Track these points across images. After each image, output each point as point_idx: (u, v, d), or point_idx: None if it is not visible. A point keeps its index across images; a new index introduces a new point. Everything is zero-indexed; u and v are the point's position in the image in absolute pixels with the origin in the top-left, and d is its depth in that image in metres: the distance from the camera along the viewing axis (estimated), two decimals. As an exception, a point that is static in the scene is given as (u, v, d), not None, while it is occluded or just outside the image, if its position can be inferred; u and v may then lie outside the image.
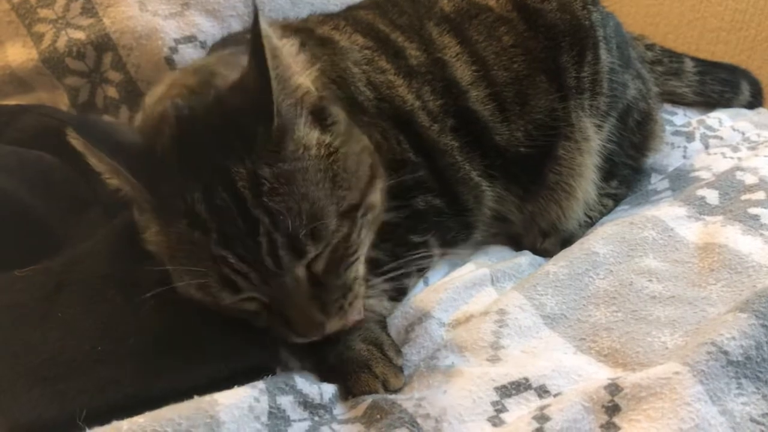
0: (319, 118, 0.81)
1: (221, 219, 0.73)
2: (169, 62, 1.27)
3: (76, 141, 0.76)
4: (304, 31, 1.13)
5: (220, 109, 0.78)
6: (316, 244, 0.76)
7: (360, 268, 0.85)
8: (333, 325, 0.81)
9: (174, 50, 1.28)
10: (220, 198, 0.73)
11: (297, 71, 0.79)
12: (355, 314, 0.84)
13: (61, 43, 1.28)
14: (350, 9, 1.30)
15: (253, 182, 0.73)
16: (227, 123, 0.76)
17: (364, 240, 0.85)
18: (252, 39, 0.73)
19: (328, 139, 0.80)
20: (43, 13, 1.30)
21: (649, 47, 1.55)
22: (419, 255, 1.02)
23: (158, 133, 0.78)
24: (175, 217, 0.75)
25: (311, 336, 0.81)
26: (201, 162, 0.75)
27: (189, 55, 1.27)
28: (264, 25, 0.73)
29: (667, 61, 1.56)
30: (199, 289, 0.77)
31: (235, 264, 0.74)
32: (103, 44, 1.28)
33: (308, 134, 0.78)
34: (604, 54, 1.19)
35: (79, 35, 1.28)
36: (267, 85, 0.74)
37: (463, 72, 1.12)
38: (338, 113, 0.85)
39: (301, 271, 0.77)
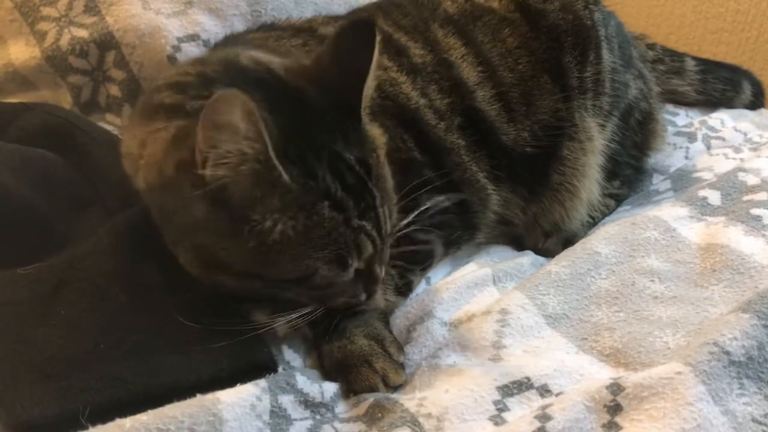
0: (368, 119, 0.88)
1: (356, 197, 0.81)
2: (172, 61, 1.27)
3: (248, 105, 0.71)
4: (307, 30, 1.13)
5: (301, 97, 0.82)
6: (399, 214, 0.88)
7: None
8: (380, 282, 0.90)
9: (177, 49, 1.28)
10: (350, 179, 0.81)
11: (373, 76, 0.86)
12: None
13: (64, 41, 1.28)
14: (354, 11, 1.31)
15: (365, 168, 0.82)
16: (318, 111, 0.82)
17: None
18: (360, 37, 0.83)
19: (376, 132, 0.88)
20: (46, 11, 1.30)
21: (651, 46, 1.55)
22: (422, 253, 1.02)
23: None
24: (315, 199, 0.78)
25: (376, 290, 0.89)
26: (318, 147, 0.80)
27: (192, 53, 1.27)
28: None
29: (669, 60, 1.56)
30: (332, 261, 0.81)
31: (370, 231, 0.82)
32: (106, 42, 1.28)
33: (371, 129, 0.87)
34: (606, 54, 1.19)
35: (82, 33, 1.28)
36: (361, 85, 0.83)
37: (469, 72, 1.13)
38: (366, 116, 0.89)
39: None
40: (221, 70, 0.86)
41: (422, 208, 0.95)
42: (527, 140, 1.14)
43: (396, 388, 0.86)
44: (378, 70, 1.07)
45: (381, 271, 0.88)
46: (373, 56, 0.82)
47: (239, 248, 0.78)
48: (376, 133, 0.88)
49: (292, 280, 0.82)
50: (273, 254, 0.78)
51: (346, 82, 0.83)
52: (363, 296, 0.88)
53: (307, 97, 0.82)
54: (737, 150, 1.38)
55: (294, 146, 0.78)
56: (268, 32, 1.16)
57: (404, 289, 0.99)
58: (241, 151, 0.74)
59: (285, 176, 0.75)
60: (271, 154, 0.73)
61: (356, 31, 0.84)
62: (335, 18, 1.23)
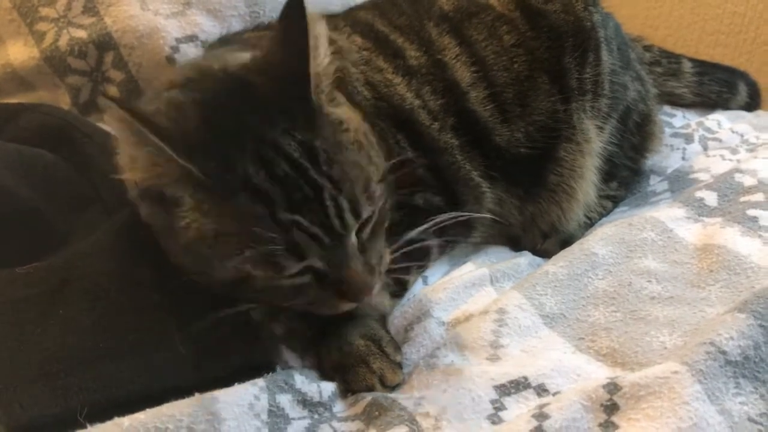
0: (330, 99, 0.84)
1: (285, 187, 0.75)
2: (171, 61, 1.27)
3: (115, 119, 0.73)
4: None
5: (244, 89, 0.79)
6: (370, 206, 0.80)
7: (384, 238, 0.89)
8: (376, 288, 0.84)
9: (175, 49, 1.28)
10: (280, 169, 0.75)
11: (322, 54, 0.81)
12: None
13: (63, 41, 1.28)
14: (351, 10, 1.31)
15: (309, 152, 0.76)
16: (256, 99, 0.78)
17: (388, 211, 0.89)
18: (291, 16, 0.77)
19: (344, 115, 0.83)
20: (45, 11, 1.30)
21: (648, 48, 1.56)
22: (418, 252, 1.02)
23: (183, 118, 0.78)
24: (231, 192, 0.75)
25: (361, 299, 0.83)
26: (241, 138, 0.76)
27: (190, 54, 1.27)
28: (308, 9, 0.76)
29: (666, 62, 1.56)
30: (260, 262, 0.76)
31: (308, 227, 0.76)
32: (104, 43, 1.28)
33: (334, 111, 0.82)
34: (605, 55, 1.20)
35: (81, 34, 1.28)
36: (305, 64, 0.77)
37: (462, 73, 1.13)
38: (340, 96, 0.87)
39: (353, 235, 0.80)
40: (186, 75, 0.86)
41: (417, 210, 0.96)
42: (522, 141, 1.14)
43: (393, 387, 0.86)
44: (374, 72, 1.08)
45: (361, 274, 0.80)
46: (306, 33, 0.77)
47: (179, 248, 0.80)
48: (347, 113, 0.84)
49: (230, 283, 0.78)
50: (203, 254, 0.78)
51: (291, 65, 0.79)
52: (342, 306, 0.83)
53: (252, 88, 0.79)
54: (734, 151, 1.38)
55: (215, 140, 0.76)
56: (265, 31, 1.17)
57: (399, 291, 0.99)
58: (143, 154, 0.75)
59: (195, 171, 0.74)
60: (170, 152, 0.73)
61: (290, 11, 0.79)
62: (332, 18, 1.23)
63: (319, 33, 0.80)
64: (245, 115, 0.77)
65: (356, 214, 0.79)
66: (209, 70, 0.85)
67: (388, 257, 0.88)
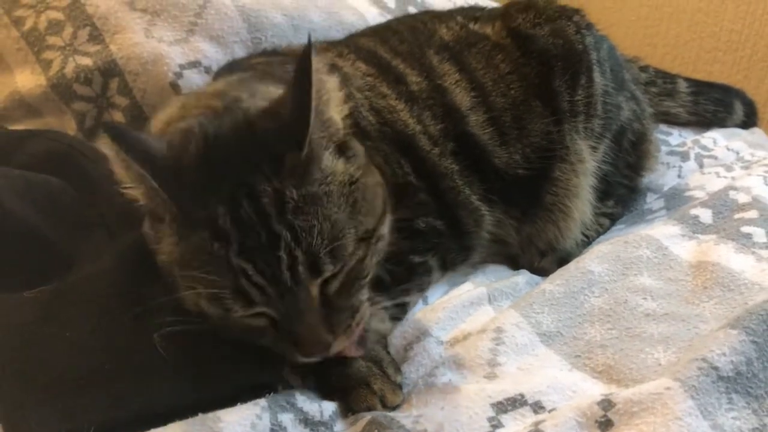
0: (342, 150, 0.83)
1: (244, 231, 0.75)
2: (174, 87, 1.29)
3: (107, 144, 0.77)
4: None
5: (249, 130, 0.80)
6: (334, 263, 0.77)
7: (366, 292, 0.86)
8: (338, 345, 0.82)
9: (179, 75, 1.30)
10: (244, 211, 0.75)
11: (332, 107, 0.81)
12: (356, 349, 0.87)
13: (69, 69, 1.31)
14: (352, 37, 1.34)
15: (278, 200, 0.75)
16: (255, 144, 0.79)
17: (373, 267, 0.86)
18: (300, 70, 0.76)
19: (351, 169, 0.82)
20: (52, 40, 1.33)
21: (643, 69, 1.58)
22: (419, 275, 1.04)
23: (184, 147, 0.80)
24: (196, 227, 0.76)
25: (316, 355, 0.81)
26: (226, 177, 0.77)
27: (194, 80, 1.30)
28: (315, 59, 0.75)
29: (661, 82, 1.58)
30: (211, 299, 0.77)
31: (253, 276, 0.75)
32: (109, 70, 1.30)
33: (334, 164, 0.81)
34: (597, 77, 1.22)
35: (87, 62, 1.31)
36: (305, 117, 0.76)
37: (462, 98, 1.15)
38: (358, 148, 0.87)
39: (315, 289, 0.78)
40: (214, 105, 0.88)
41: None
42: (519, 163, 1.16)
43: (394, 408, 0.87)
44: (378, 98, 1.10)
45: (315, 330, 0.78)
46: (309, 87, 0.76)
47: (161, 264, 0.83)
48: (355, 166, 0.83)
49: (196, 312, 0.79)
50: (174, 277, 0.80)
51: (294, 115, 0.77)
52: (297, 357, 0.81)
53: (256, 132, 0.80)
54: (729, 168, 1.40)
55: (201, 175, 0.77)
56: (271, 57, 1.19)
57: (398, 313, 0.99)
58: (131, 174, 0.78)
59: (170, 201, 0.76)
60: (152, 182, 0.76)
61: (300, 64, 0.77)
62: (334, 44, 1.26)
63: (331, 87, 0.81)
64: (238, 157, 0.78)
65: (314, 270, 0.76)
66: (234, 105, 0.86)
67: (366, 312, 0.86)
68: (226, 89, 0.93)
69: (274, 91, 0.88)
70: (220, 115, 0.84)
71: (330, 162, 0.80)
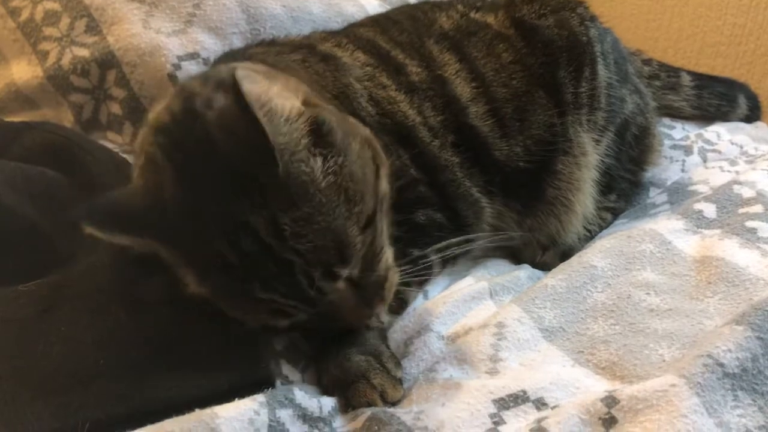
0: (317, 134, 0.80)
1: (254, 266, 0.76)
2: (172, 79, 1.28)
3: (95, 233, 0.79)
4: (306, 47, 1.15)
5: (216, 155, 0.76)
6: (348, 262, 0.80)
7: (389, 256, 0.89)
8: (378, 310, 0.87)
9: (177, 67, 1.29)
10: (247, 247, 0.75)
11: (287, 103, 0.78)
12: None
13: (66, 60, 1.30)
14: (351, 26, 1.32)
15: (274, 229, 0.75)
16: (228, 170, 0.76)
17: (385, 229, 0.88)
18: (242, 115, 0.72)
19: (330, 163, 0.80)
20: (48, 31, 1.32)
21: (647, 62, 1.56)
22: (419, 268, 1.03)
23: (159, 185, 0.79)
24: (209, 269, 0.78)
25: (361, 326, 0.88)
26: (215, 214, 0.76)
27: (192, 71, 1.28)
28: (244, 82, 0.71)
29: (665, 76, 1.57)
30: (252, 320, 0.82)
31: (282, 302, 0.79)
32: (107, 61, 1.29)
33: (312, 166, 0.78)
34: (601, 69, 1.21)
35: (84, 53, 1.30)
36: (267, 143, 0.73)
37: (462, 88, 1.14)
38: (330, 117, 0.83)
39: (341, 284, 0.81)
40: (174, 109, 0.85)
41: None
42: (520, 155, 1.15)
43: (394, 403, 0.86)
44: (378, 89, 1.09)
45: (354, 311, 0.84)
46: (255, 118, 0.72)
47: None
48: (314, 165, 0.78)
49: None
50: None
51: (252, 139, 0.73)
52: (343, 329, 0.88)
53: (219, 154, 0.76)
54: (733, 163, 1.38)
55: (189, 216, 0.77)
56: (269, 47, 1.18)
57: (398, 308, 0.99)
58: (131, 242, 0.82)
59: (173, 252, 0.80)
60: (152, 243, 0.80)
61: (235, 98, 0.73)
62: (333, 34, 1.24)
63: (277, 92, 0.78)
64: (216, 189, 0.76)
65: (332, 277, 0.79)
66: (191, 110, 0.81)
67: (395, 277, 0.89)
68: (185, 84, 0.92)
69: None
70: (177, 125, 0.82)
71: (308, 167, 0.78)
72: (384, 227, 0.88)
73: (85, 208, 0.79)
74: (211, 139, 0.77)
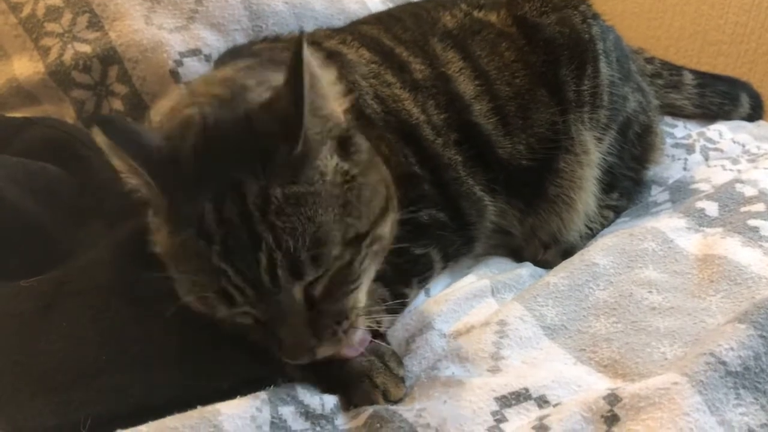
0: (343, 146, 0.80)
1: (226, 232, 0.73)
2: (174, 75, 1.28)
3: (100, 138, 0.75)
4: (311, 44, 1.14)
5: (247, 125, 0.77)
6: (315, 267, 0.75)
7: (360, 297, 0.83)
8: (324, 351, 0.80)
9: (179, 63, 1.29)
10: (228, 210, 0.73)
11: (331, 101, 0.79)
12: (349, 349, 0.84)
13: (68, 56, 1.29)
14: (355, 24, 1.32)
15: (262, 199, 0.73)
16: (250, 139, 0.75)
17: (368, 270, 0.83)
18: (292, 66, 0.72)
19: (346, 167, 0.79)
20: (50, 27, 1.32)
21: (649, 60, 1.56)
22: (421, 267, 1.03)
23: (182, 139, 0.78)
24: (185, 223, 0.75)
25: (300, 359, 0.80)
26: (217, 173, 0.75)
27: (194, 68, 1.29)
28: (306, 53, 0.71)
29: (667, 74, 1.57)
30: (197, 299, 0.76)
31: (233, 278, 0.73)
32: (108, 57, 1.29)
33: (328, 161, 0.78)
34: (604, 67, 1.20)
35: (86, 49, 1.30)
36: (299, 113, 0.73)
37: (466, 86, 1.14)
38: (362, 143, 0.84)
39: (298, 292, 0.76)
40: (217, 93, 0.86)
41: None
42: (523, 153, 1.15)
43: (397, 402, 0.86)
44: (383, 86, 1.09)
45: (299, 334, 0.76)
46: (302, 83, 0.72)
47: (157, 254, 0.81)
48: (330, 162, 0.78)
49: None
50: (167, 267, 0.79)
51: (290, 109, 0.74)
52: (285, 359, 0.80)
53: (252, 125, 0.76)
54: (735, 161, 1.38)
55: (194, 169, 0.76)
56: (273, 43, 1.18)
57: (399, 307, 0.97)
58: (127, 168, 0.77)
59: (162, 195, 0.76)
60: (145, 175, 0.75)
61: (293, 59, 0.73)
62: (337, 31, 1.24)
63: (328, 81, 0.78)
64: (232, 152, 0.75)
65: (295, 273, 0.74)
66: (239, 95, 0.83)
67: (358, 322, 0.83)
68: (234, 76, 0.91)
69: (281, 79, 0.85)
70: (223, 106, 0.82)
71: (325, 160, 0.77)
72: (369, 269, 0.83)
73: (103, 116, 0.78)
74: (249, 112, 0.77)
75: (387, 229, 0.85)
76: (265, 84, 0.84)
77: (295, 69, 0.72)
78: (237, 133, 0.77)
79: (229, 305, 0.76)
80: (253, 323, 0.79)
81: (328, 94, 0.78)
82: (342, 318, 0.80)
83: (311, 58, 0.74)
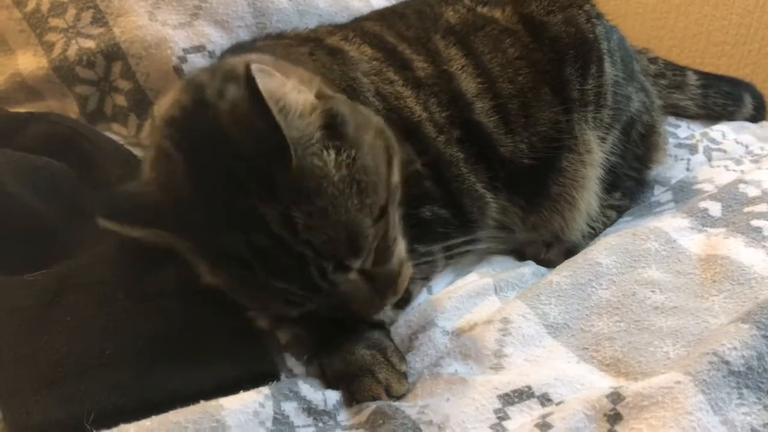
0: (331, 128, 0.80)
1: (265, 258, 0.76)
2: (178, 71, 1.28)
3: (110, 225, 0.79)
4: (313, 40, 1.14)
5: (228, 146, 0.76)
6: (359, 255, 0.80)
7: (401, 248, 0.89)
8: (390, 302, 0.88)
9: (183, 60, 1.29)
10: (258, 239, 0.75)
11: (301, 97, 0.78)
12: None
13: (72, 52, 1.29)
14: (358, 20, 1.32)
15: (286, 222, 0.75)
16: (240, 162, 0.75)
17: (398, 221, 0.88)
18: (251, 98, 0.72)
19: (343, 156, 0.79)
20: (54, 22, 1.32)
21: (653, 60, 1.56)
22: (423, 264, 1.03)
23: (172, 177, 0.79)
24: (221, 260, 0.78)
25: (371, 318, 0.89)
26: (227, 206, 0.76)
27: (198, 64, 1.28)
28: (261, 84, 0.71)
29: (671, 75, 1.57)
30: (264, 310, 0.85)
31: (292, 290, 0.79)
32: (112, 53, 1.29)
33: (325, 160, 0.78)
34: (608, 67, 1.20)
35: (90, 44, 1.30)
36: (280, 137, 0.73)
37: (468, 84, 1.14)
38: (344, 110, 0.83)
39: (353, 277, 0.81)
40: (183, 101, 0.85)
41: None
42: (525, 152, 1.14)
43: (399, 397, 0.86)
44: (385, 84, 1.09)
45: (366, 304, 0.84)
46: (269, 112, 0.71)
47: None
48: (328, 159, 0.78)
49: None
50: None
51: (267, 132, 0.73)
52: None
53: (230, 144, 0.76)
54: (738, 162, 1.38)
55: (202, 208, 0.77)
56: (276, 40, 1.18)
57: (402, 303, 0.98)
58: (143, 235, 0.82)
59: (185, 243, 0.81)
60: (164, 235, 0.80)
61: (249, 92, 0.73)
62: (340, 27, 1.24)
63: (285, 92, 0.76)
64: (228, 180, 0.76)
65: (344, 269, 0.80)
66: (202, 102, 0.81)
67: (408, 271, 0.89)
68: (193, 77, 0.90)
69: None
70: (188, 117, 0.81)
71: (321, 160, 0.77)
72: (396, 219, 0.88)
73: (98, 202, 0.80)
74: (223, 131, 0.77)
75: (397, 173, 0.88)
76: (219, 74, 0.85)
77: (261, 110, 0.72)
78: (223, 158, 0.76)
79: (298, 307, 0.82)
80: (324, 307, 0.84)
81: (297, 100, 0.77)
82: (396, 275, 0.87)
83: (268, 81, 0.73)
